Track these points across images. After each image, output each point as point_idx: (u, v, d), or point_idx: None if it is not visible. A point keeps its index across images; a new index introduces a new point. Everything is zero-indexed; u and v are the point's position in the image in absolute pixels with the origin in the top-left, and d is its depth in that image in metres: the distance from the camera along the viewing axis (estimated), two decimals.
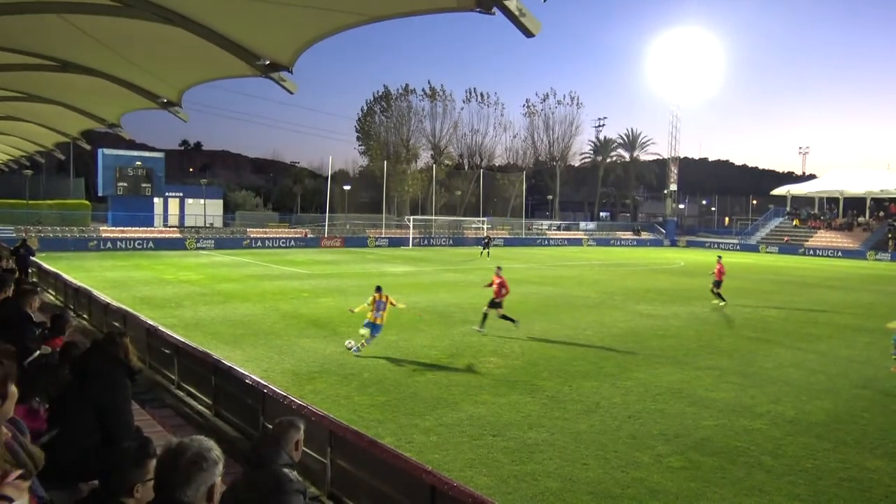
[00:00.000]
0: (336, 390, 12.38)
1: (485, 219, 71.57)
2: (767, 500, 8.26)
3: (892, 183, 73.78)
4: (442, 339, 17.31)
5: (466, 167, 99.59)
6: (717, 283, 25.85)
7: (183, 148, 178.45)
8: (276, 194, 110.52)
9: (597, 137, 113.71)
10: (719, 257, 28.13)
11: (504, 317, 18.26)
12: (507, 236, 74.42)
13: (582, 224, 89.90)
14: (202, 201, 65.92)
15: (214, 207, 67.01)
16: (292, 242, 57.41)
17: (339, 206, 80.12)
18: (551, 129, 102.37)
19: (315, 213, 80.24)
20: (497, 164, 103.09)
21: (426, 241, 65.62)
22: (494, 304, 18.29)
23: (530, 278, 34.01)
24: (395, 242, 63.12)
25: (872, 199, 76.91)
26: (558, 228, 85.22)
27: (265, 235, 58.03)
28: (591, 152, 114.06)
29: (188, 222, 62.70)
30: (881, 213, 75.54)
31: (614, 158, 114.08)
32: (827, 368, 15.36)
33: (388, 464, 6.70)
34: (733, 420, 11.34)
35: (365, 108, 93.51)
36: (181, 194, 66.47)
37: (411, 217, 67.50)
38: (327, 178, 68.59)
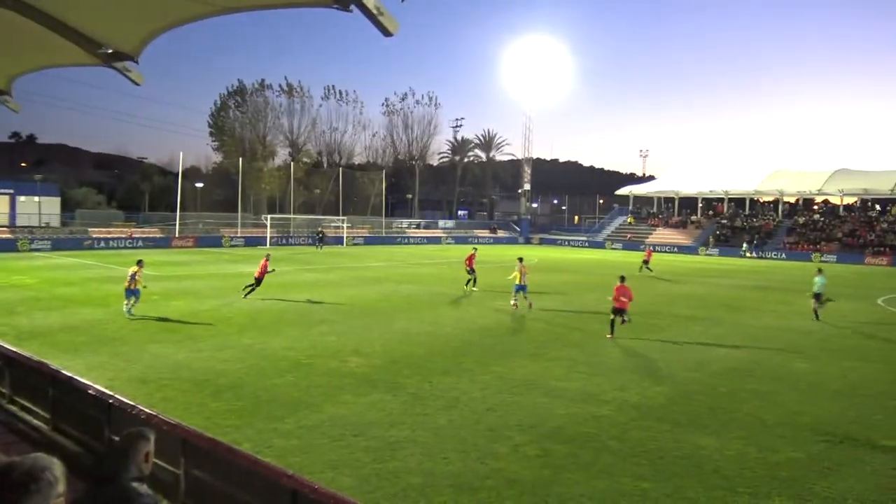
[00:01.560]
0: (189, 398, 11.88)
1: (343, 218, 71.18)
2: (615, 482, 8.81)
3: (720, 184, 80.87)
4: (301, 341, 17.03)
5: (325, 165, 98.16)
6: (470, 271, 28.91)
7: (14, 140, 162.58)
8: (122, 192, 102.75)
9: (455, 137, 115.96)
10: (474, 249, 31.15)
11: (251, 289, 24.10)
12: (368, 234, 74.17)
13: (441, 222, 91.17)
14: (36, 199, 60.74)
15: (50, 205, 61.89)
16: (140, 243, 54.42)
17: (191, 205, 76.48)
18: (410, 128, 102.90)
19: (165, 212, 75.96)
20: (357, 163, 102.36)
21: (284, 241, 64.27)
22: (257, 282, 24.15)
23: (391, 276, 34.15)
24: (252, 242, 61.31)
25: (703, 198, 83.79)
26: (418, 227, 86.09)
27: (109, 235, 54.51)
28: (450, 152, 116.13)
29: (20, 222, 57.56)
30: (711, 212, 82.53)
31: (472, 158, 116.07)
32: (665, 356, 16.58)
33: (246, 470, 6.51)
34: (583, 408, 11.99)
35: (219, 102, 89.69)
36: (12, 191, 60.94)
37: (269, 216, 65.69)
38: (178, 174, 65.34)
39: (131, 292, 19.96)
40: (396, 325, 19.61)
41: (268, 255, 25.76)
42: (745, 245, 67.95)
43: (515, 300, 23.89)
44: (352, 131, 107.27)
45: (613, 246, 76.68)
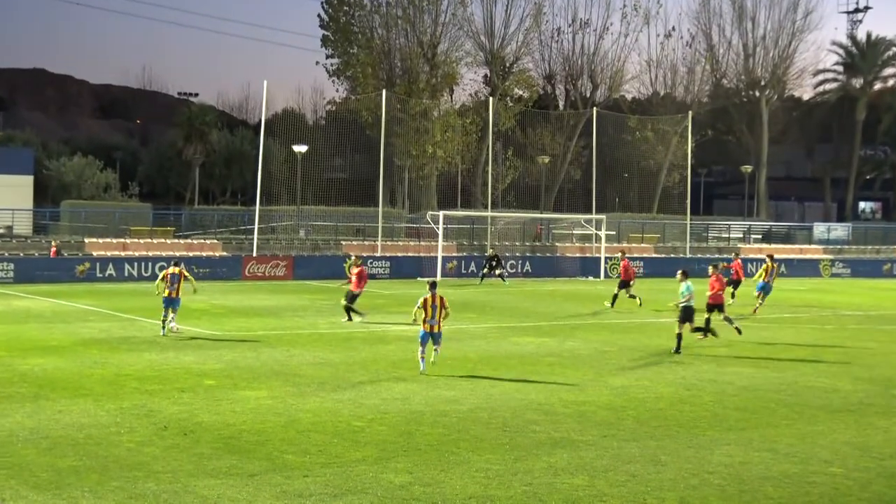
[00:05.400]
0: None
1: (599, 217, 38.23)
2: None
3: None
4: (509, 481, 8.37)
5: (562, 104, 52.42)
6: (623, 284, 24.71)
7: None
8: (149, 163, 59.87)
9: (851, 38, 61.65)
10: (622, 254, 26.47)
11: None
12: (653, 254, 41.21)
13: (819, 228, 49.03)
14: None
15: (16, 193, 38.64)
16: (183, 267, 29.37)
17: (281, 190, 41.98)
18: (749, 19, 51.73)
19: (233, 206, 43.82)
20: (630, 98, 54.09)
21: (476, 265, 34.74)
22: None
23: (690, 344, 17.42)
24: (369, 267, 31.81)
25: None
26: (764, 237, 47.42)
27: (126, 254, 32.67)
28: (839, 71, 60.80)
29: None
30: None
31: (890, 82, 61.04)
32: None
33: None
34: None
35: None
36: None
37: (441, 213, 36.42)
38: (258, 128, 36.44)
39: (170, 301, 17.51)
40: (714, 457, 9.98)
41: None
42: None
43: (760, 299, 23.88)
44: (621, 29, 51.30)
45: None
